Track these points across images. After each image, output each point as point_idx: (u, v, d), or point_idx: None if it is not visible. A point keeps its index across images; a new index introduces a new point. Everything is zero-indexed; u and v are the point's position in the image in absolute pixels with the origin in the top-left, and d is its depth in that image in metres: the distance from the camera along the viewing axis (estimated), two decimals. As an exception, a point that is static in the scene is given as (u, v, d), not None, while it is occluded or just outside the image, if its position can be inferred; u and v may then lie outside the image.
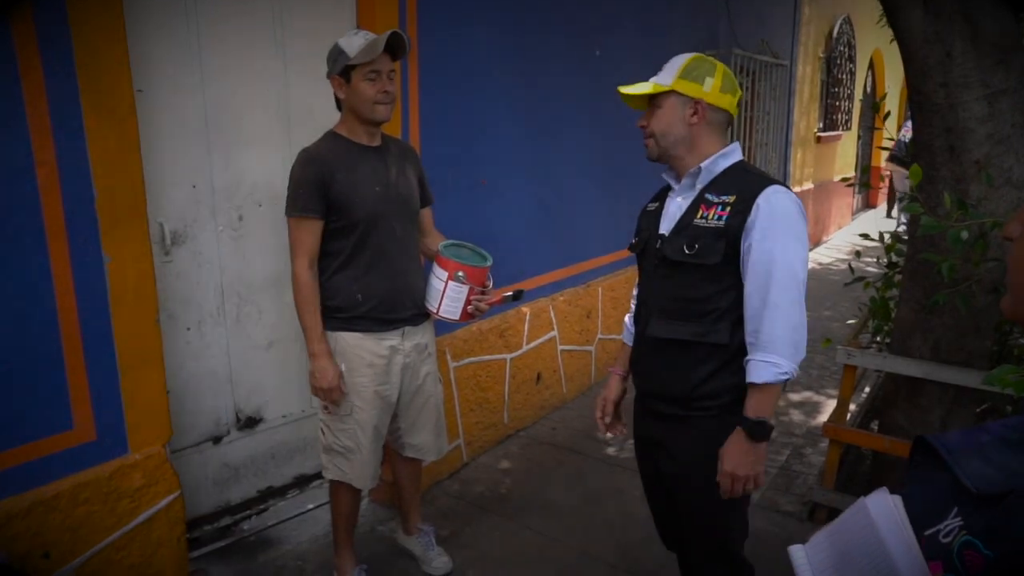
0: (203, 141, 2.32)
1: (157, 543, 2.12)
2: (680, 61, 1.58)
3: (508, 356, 3.43)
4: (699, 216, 1.53)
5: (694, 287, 1.53)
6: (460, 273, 2.04)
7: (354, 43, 1.94)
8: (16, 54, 1.71)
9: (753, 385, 1.47)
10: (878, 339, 3.16)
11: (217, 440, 2.53)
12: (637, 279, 1.80)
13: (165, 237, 2.24)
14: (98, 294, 1.94)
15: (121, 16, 1.90)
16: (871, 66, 10.26)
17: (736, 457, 1.49)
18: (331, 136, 2.06)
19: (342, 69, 1.96)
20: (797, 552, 0.66)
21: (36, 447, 1.88)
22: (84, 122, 1.84)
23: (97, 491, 1.98)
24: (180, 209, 2.29)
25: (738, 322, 1.52)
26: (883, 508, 0.57)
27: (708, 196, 1.54)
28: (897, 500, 0.58)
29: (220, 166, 2.38)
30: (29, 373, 1.84)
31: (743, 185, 1.51)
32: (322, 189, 1.96)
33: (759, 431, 1.47)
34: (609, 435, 1.86)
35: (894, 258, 2.96)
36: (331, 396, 2.04)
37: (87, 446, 1.97)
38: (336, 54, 1.97)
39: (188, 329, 2.37)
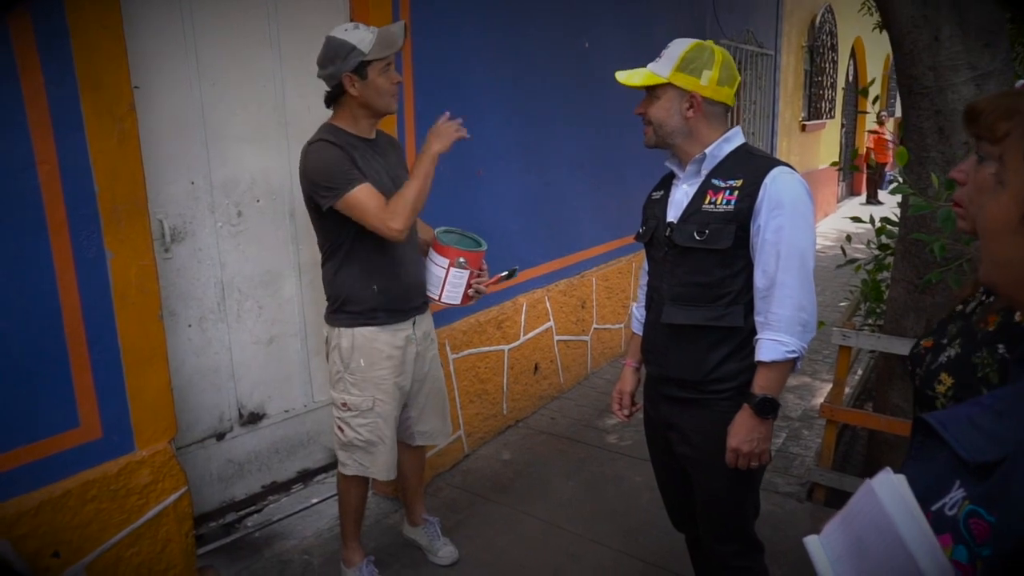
0: (200, 137, 2.31)
1: (166, 539, 2.13)
2: (679, 50, 1.56)
3: (506, 347, 3.45)
4: (707, 202, 1.55)
5: (706, 272, 1.55)
6: (461, 259, 2.06)
7: (364, 38, 1.91)
8: (15, 53, 1.70)
9: (761, 363, 1.50)
10: (870, 321, 3.22)
11: (220, 436, 2.53)
12: (643, 268, 1.82)
13: (165, 233, 2.24)
14: (101, 291, 1.93)
15: (119, 14, 1.90)
16: (852, 54, 10.37)
17: (742, 432, 1.52)
18: (333, 129, 2.02)
19: (356, 65, 1.91)
20: (812, 542, 0.67)
21: (43, 446, 1.87)
22: (84, 119, 1.84)
23: (105, 488, 1.97)
24: (179, 205, 2.29)
25: (751, 305, 1.54)
26: (889, 488, 0.58)
27: (715, 181, 1.56)
28: (901, 479, 0.59)
29: (218, 162, 2.37)
30: (34, 372, 1.83)
31: (749, 168, 1.53)
32: (352, 164, 1.92)
33: (765, 407, 1.50)
34: (627, 418, 1.88)
35: (884, 240, 3.02)
36: (461, 132, 2.02)
37: (94, 444, 1.97)
38: (345, 51, 1.90)
39: (189, 326, 2.37)
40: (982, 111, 0.71)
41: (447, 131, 2.00)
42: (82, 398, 1.92)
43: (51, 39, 1.76)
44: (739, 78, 1.65)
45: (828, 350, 4.22)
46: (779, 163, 1.55)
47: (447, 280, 2.10)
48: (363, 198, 1.89)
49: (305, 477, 2.84)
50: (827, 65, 8.92)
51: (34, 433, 1.85)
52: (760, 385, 1.51)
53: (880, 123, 10.77)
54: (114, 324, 1.97)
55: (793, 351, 1.48)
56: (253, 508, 2.65)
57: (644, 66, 1.62)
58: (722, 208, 1.52)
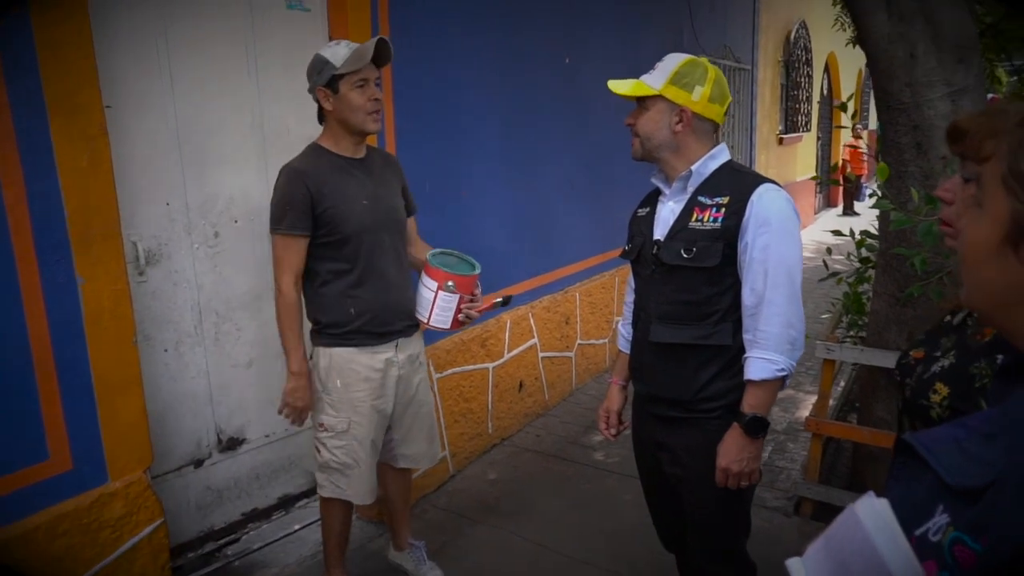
0: (175, 157, 2.26)
1: (140, 574, 2.05)
2: (673, 64, 1.55)
3: (490, 365, 3.42)
4: (694, 219, 1.53)
5: (694, 290, 1.54)
6: (450, 283, 2.02)
7: (339, 52, 1.91)
8: (-21, 72, 1.66)
9: (751, 382, 1.48)
10: (852, 333, 3.23)
11: (199, 463, 2.46)
12: (629, 284, 1.80)
13: (139, 256, 2.18)
14: (72, 317, 1.87)
15: (88, 31, 1.85)
16: (827, 69, 10.55)
17: (732, 452, 1.51)
18: (315, 149, 2.01)
19: (328, 79, 1.92)
20: (795, 565, 0.65)
21: (9, 480, 1.80)
22: (52, 141, 1.79)
23: (77, 523, 1.90)
24: (154, 227, 2.23)
25: (740, 323, 1.53)
26: (872, 513, 0.57)
27: (701, 199, 1.54)
28: (884, 503, 0.57)
29: (194, 183, 2.32)
30: (0, 403, 1.77)
31: (735, 185, 1.53)
32: (309, 205, 1.92)
33: (755, 427, 1.49)
34: (614, 437, 1.85)
35: (864, 253, 3.04)
36: (301, 417, 2.05)
37: (64, 476, 1.90)
38: (321, 65, 1.93)
39: (165, 350, 2.30)
40: (967, 130, 0.70)
41: (296, 408, 2.00)
42: (51, 429, 1.86)
43: (17, 57, 1.71)
44: (730, 97, 1.64)
45: (811, 362, 4.24)
46: (765, 180, 1.54)
47: (435, 303, 2.07)
48: (279, 248, 1.96)
49: (286, 503, 2.76)
50: (802, 79, 9.06)
51: None
52: (750, 404, 1.49)
53: (857, 136, 10.95)
54: (86, 351, 1.91)
55: (782, 369, 1.46)
56: (232, 537, 2.57)
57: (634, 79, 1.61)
58: (709, 226, 1.51)
